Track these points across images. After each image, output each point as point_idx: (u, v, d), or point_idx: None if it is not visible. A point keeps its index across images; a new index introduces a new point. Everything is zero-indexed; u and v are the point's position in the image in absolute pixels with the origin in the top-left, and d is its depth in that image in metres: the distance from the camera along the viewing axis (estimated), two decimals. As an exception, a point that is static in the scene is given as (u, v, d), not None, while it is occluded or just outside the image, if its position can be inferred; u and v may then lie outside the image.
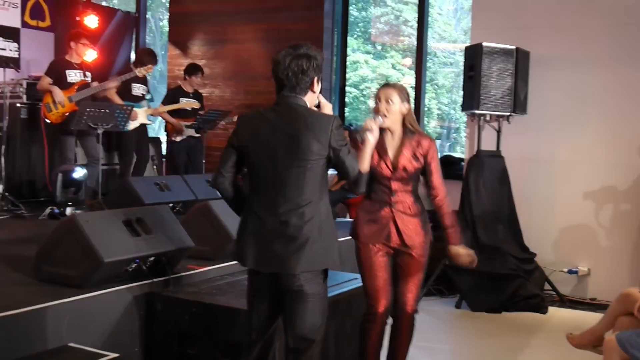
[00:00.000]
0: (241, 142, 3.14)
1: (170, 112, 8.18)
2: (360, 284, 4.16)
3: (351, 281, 4.38)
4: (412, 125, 3.86)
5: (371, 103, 3.96)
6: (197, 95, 8.52)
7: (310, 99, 3.17)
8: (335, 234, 3.20)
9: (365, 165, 3.33)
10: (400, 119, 3.85)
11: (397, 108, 3.82)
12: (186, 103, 8.24)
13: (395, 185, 3.82)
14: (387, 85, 3.88)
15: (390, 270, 3.90)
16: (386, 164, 3.80)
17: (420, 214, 3.88)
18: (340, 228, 6.46)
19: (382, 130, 3.77)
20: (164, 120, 8.56)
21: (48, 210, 6.64)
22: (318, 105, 3.27)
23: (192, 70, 8.48)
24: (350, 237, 3.98)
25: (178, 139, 8.27)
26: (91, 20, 8.89)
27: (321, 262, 3.11)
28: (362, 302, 4.29)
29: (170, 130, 8.34)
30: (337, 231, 3.23)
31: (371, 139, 3.45)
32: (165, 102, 8.40)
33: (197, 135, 8.31)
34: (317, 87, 3.17)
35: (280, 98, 3.14)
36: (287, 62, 3.08)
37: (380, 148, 3.80)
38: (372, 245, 3.84)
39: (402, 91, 3.86)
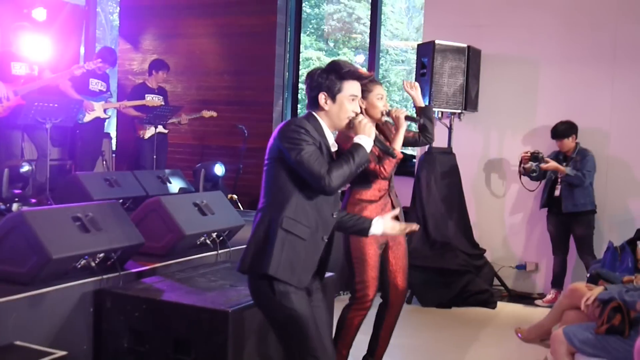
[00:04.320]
0: None
1: (134, 108, 8.10)
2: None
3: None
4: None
5: (380, 102, 4.08)
6: (161, 91, 8.42)
7: (336, 117, 3.08)
8: (273, 241, 2.95)
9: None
10: None
11: None
12: (151, 100, 8.12)
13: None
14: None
15: None
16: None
17: None
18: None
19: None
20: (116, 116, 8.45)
21: (-7, 205, 6.47)
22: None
23: (160, 65, 8.36)
24: None
25: (147, 135, 8.14)
26: (39, 13, 8.69)
27: (250, 265, 3.01)
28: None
29: (138, 127, 8.21)
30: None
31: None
32: (130, 98, 8.28)
33: (165, 131, 8.21)
34: (325, 104, 3.06)
35: None
36: None
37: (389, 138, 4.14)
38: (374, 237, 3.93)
39: None
